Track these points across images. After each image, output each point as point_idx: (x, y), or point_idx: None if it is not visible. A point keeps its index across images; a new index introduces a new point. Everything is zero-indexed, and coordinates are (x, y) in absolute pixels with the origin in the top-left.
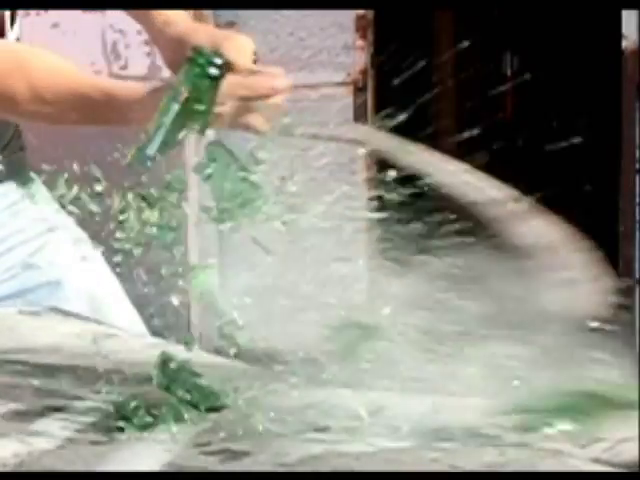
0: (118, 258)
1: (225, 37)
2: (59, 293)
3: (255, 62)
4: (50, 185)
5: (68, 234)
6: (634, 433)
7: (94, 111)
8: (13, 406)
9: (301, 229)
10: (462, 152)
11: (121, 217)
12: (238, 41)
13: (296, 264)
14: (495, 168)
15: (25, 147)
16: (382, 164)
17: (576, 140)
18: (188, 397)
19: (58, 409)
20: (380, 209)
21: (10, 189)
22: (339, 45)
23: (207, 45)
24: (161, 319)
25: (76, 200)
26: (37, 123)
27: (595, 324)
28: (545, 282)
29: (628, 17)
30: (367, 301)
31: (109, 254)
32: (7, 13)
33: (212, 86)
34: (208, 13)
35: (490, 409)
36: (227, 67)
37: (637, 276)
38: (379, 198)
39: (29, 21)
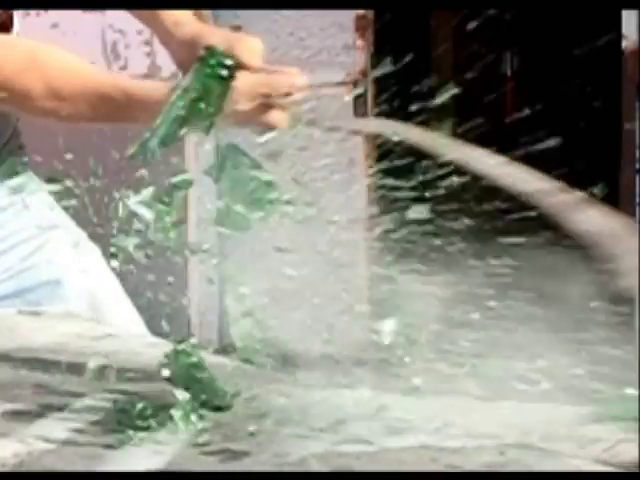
0: (119, 258)
1: (238, 39)
2: (59, 292)
3: None
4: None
5: (67, 233)
6: (634, 433)
7: (112, 109)
8: (13, 406)
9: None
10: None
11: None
12: (250, 43)
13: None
14: None
15: (24, 146)
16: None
17: (575, 141)
18: (199, 395)
19: (58, 409)
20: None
21: (9, 188)
22: (339, 45)
23: (220, 46)
24: (161, 319)
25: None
26: (51, 120)
27: None
28: (611, 270)
29: (628, 17)
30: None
31: (109, 253)
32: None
33: (221, 87)
34: (207, 13)
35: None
36: (237, 69)
37: (637, 276)
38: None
39: (29, 21)
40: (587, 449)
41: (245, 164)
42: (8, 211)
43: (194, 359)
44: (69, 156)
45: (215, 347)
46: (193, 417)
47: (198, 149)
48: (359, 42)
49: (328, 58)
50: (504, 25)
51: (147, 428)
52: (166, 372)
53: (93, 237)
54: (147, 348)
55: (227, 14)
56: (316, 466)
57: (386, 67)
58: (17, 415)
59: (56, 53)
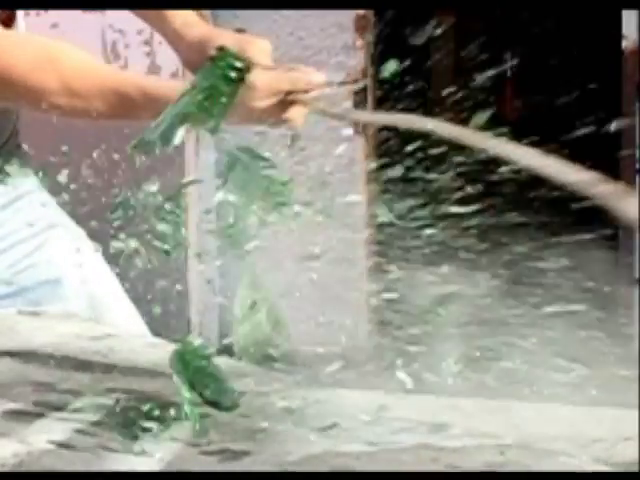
0: (119, 258)
1: (248, 41)
2: (59, 292)
3: None
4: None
5: (67, 232)
6: (634, 433)
7: (130, 107)
8: (13, 406)
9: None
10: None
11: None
12: (260, 44)
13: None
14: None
15: (22, 145)
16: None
17: (575, 140)
18: (208, 393)
19: (58, 409)
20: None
21: (8, 187)
22: (339, 45)
23: (232, 48)
24: (161, 318)
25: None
26: (64, 116)
27: None
28: None
29: (628, 17)
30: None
31: (109, 253)
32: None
33: (229, 88)
34: (207, 13)
35: None
36: (247, 72)
37: (637, 276)
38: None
39: (29, 21)
40: (587, 449)
41: (258, 165)
42: (7, 210)
43: (204, 358)
44: (66, 152)
45: (215, 347)
46: (197, 417)
47: (198, 149)
48: (359, 42)
49: (328, 58)
50: (504, 25)
51: (151, 429)
52: (175, 370)
53: (92, 236)
54: (147, 348)
55: (227, 14)
56: (316, 466)
57: (393, 67)
58: (17, 415)
59: (70, 50)
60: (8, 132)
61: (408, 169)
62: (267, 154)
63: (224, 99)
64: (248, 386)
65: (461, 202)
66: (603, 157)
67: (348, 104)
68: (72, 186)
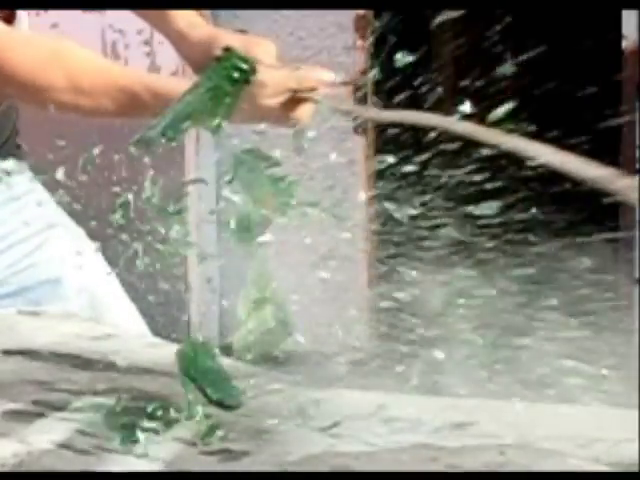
0: (119, 258)
1: (253, 42)
2: (59, 291)
3: None
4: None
5: (67, 232)
6: (634, 433)
7: (138, 105)
8: (13, 406)
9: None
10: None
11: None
12: (265, 46)
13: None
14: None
15: (22, 145)
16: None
17: (576, 140)
18: (213, 392)
19: (58, 409)
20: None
21: (8, 187)
22: (339, 45)
23: (239, 48)
24: (161, 318)
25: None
26: (70, 114)
27: None
28: None
29: (628, 17)
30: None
31: (109, 253)
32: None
33: (233, 89)
34: (207, 13)
35: None
36: (252, 74)
37: (637, 276)
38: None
39: (29, 21)
40: (587, 449)
41: (263, 165)
42: (6, 210)
43: (209, 356)
44: (63, 150)
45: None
46: (199, 417)
47: (198, 149)
48: (359, 42)
49: (328, 58)
50: (504, 25)
51: (151, 429)
52: (181, 368)
53: (91, 236)
54: (147, 348)
55: (227, 14)
56: (316, 466)
57: (406, 58)
58: (17, 415)
59: (77, 49)
60: (8, 131)
61: (424, 165)
62: (274, 153)
63: (228, 99)
64: (248, 386)
65: (479, 199)
66: (603, 157)
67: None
68: (70, 183)
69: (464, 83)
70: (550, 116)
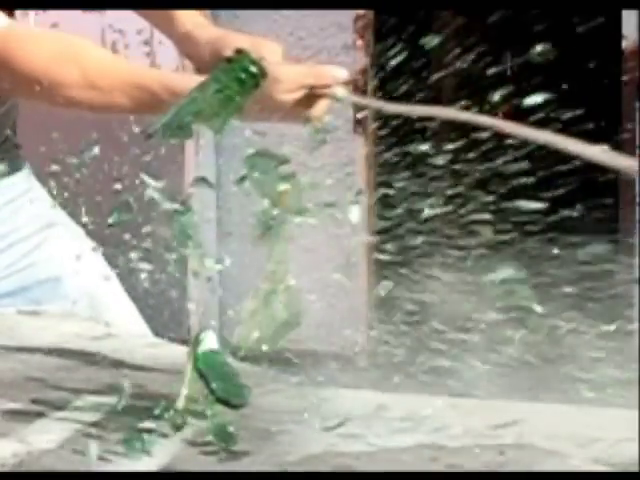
0: (120, 257)
1: (262, 43)
2: (59, 290)
3: None
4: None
5: (66, 231)
6: (634, 433)
7: (152, 101)
8: (12, 406)
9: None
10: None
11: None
12: (272, 47)
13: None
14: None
15: (20, 145)
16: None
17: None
18: (221, 389)
19: (58, 408)
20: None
21: (7, 186)
22: (339, 45)
23: (249, 49)
24: (161, 318)
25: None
26: (83, 110)
27: None
28: None
29: (628, 17)
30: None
31: (109, 253)
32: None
33: (241, 91)
34: (207, 13)
35: None
36: (262, 78)
37: (637, 276)
38: None
39: (29, 21)
40: (587, 449)
41: (274, 165)
42: (6, 209)
43: (219, 354)
44: (62, 150)
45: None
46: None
47: (198, 149)
48: (359, 42)
49: (328, 58)
50: (503, 25)
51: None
52: (192, 365)
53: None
54: (147, 348)
55: (227, 14)
56: (316, 466)
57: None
58: (17, 415)
59: (92, 46)
60: (7, 131)
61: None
62: (285, 152)
63: (235, 102)
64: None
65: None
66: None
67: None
68: (68, 181)
69: (463, 82)
70: (550, 115)
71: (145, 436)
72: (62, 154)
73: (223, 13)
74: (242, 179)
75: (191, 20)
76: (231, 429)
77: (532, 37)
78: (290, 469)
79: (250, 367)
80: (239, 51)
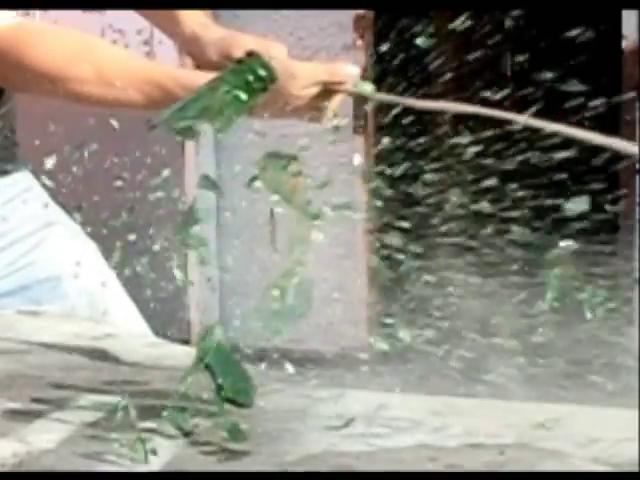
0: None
1: (271, 45)
2: (59, 290)
3: None
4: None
5: (65, 229)
6: (634, 433)
7: (165, 97)
8: (12, 405)
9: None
10: (459, 152)
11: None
12: (280, 48)
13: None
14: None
15: (18, 143)
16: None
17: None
18: (230, 387)
19: (58, 408)
20: None
21: (6, 185)
22: (339, 45)
23: (258, 51)
24: (161, 318)
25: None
26: (95, 107)
27: None
28: None
29: (628, 17)
30: None
31: (108, 253)
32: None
33: (249, 93)
34: (207, 13)
35: None
36: (270, 82)
37: (637, 276)
38: None
39: (35, 20)
40: (587, 449)
41: (284, 164)
42: (5, 208)
43: (229, 351)
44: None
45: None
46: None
47: (198, 149)
48: (359, 42)
49: (328, 58)
50: (503, 25)
51: (151, 429)
52: (205, 360)
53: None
54: (147, 348)
55: (227, 14)
56: (316, 466)
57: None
58: (16, 415)
59: (106, 42)
60: (6, 130)
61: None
62: (294, 152)
63: (241, 103)
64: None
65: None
66: (603, 157)
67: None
68: (69, 180)
69: (463, 81)
70: (549, 116)
71: (146, 436)
72: (61, 153)
73: (223, 13)
74: (252, 180)
75: (196, 20)
76: (244, 426)
77: (532, 37)
78: (290, 469)
79: (250, 367)
80: (250, 53)
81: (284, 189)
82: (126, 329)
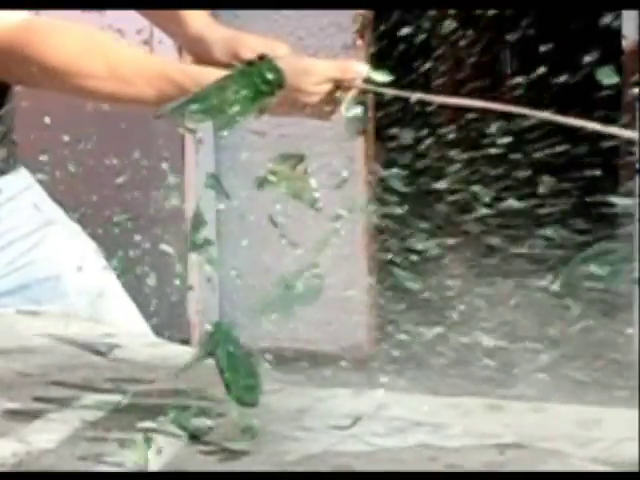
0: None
1: (277, 45)
2: (58, 289)
3: None
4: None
5: (64, 228)
6: (633, 433)
7: (178, 92)
8: (12, 405)
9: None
10: (459, 152)
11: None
12: (285, 48)
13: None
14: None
15: (17, 142)
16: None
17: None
18: (246, 382)
19: (57, 408)
20: None
21: (5, 184)
22: (339, 45)
23: (267, 53)
24: (161, 318)
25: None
26: (109, 103)
27: None
28: None
29: (628, 17)
30: None
31: (109, 253)
32: None
33: (254, 96)
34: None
35: None
36: (277, 87)
37: (637, 276)
38: None
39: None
40: (587, 449)
41: (293, 164)
42: (4, 207)
43: (237, 344)
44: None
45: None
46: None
47: (198, 149)
48: (358, 42)
49: (328, 58)
50: (503, 25)
51: (152, 429)
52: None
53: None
54: (147, 347)
55: (227, 14)
56: (316, 466)
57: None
58: (16, 415)
59: (115, 38)
60: (5, 129)
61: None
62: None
63: (246, 105)
64: None
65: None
66: (603, 157)
67: None
68: (65, 179)
69: (462, 81)
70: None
71: (147, 436)
72: (61, 153)
73: (223, 13)
74: (262, 182)
75: (200, 20)
76: (256, 423)
77: (532, 37)
78: (290, 469)
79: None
80: (262, 57)
81: (295, 187)
82: (126, 329)
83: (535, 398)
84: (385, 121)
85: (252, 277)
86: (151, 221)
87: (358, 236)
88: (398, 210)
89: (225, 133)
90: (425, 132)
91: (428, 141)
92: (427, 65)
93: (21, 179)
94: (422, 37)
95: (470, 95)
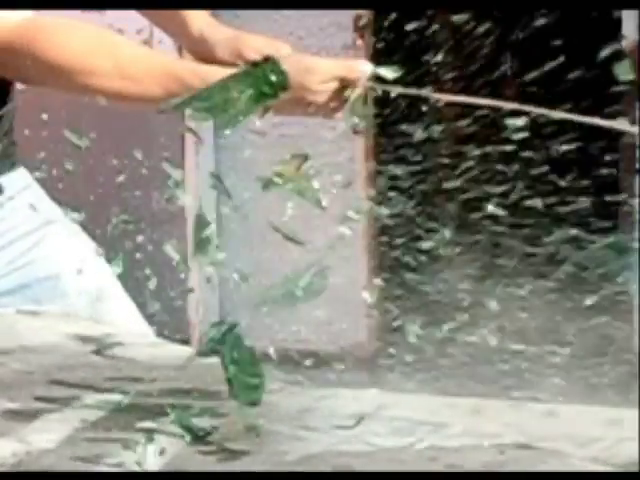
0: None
1: (279, 45)
2: (58, 288)
3: None
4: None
5: (63, 228)
6: (634, 433)
7: (184, 90)
8: (12, 405)
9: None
10: (460, 151)
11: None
12: (287, 48)
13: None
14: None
15: (16, 142)
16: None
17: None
18: (250, 381)
19: (57, 408)
20: None
21: (4, 184)
22: (339, 45)
23: (270, 52)
24: (161, 318)
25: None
26: (116, 101)
27: None
28: None
29: (628, 17)
30: None
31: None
32: None
33: (257, 97)
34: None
35: None
36: (280, 90)
37: (637, 276)
38: None
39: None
40: (587, 449)
41: (298, 164)
42: (3, 208)
43: (242, 342)
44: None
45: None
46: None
47: (198, 149)
48: (358, 42)
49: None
50: (503, 25)
51: (151, 429)
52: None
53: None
54: (147, 347)
55: (227, 14)
56: (316, 466)
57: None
58: (16, 414)
59: (121, 36)
60: (5, 129)
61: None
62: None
63: (248, 105)
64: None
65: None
66: (602, 157)
67: None
68: (66, 179)
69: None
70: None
71: (148, 436)
72: (61, 155)
73: (223, 13)
74: (267, 183)
75: (203, 20)
76: (260, 422)
77: (532, 37)
78: (290, 469)
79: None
80: (267, 58)
81: (298, 185)
82: (126, 329)
83: (535, 398)
84: (390, 118)
85: (252, 277)
86: (151, 221)
87: (360, 236)
88: (404, 209)
89: (227, 132)
90: (428, 129)
91: (434, 138)
92: (433, 60)
93: (21, 178)
94: (427, 32)
95: (472, 93)
